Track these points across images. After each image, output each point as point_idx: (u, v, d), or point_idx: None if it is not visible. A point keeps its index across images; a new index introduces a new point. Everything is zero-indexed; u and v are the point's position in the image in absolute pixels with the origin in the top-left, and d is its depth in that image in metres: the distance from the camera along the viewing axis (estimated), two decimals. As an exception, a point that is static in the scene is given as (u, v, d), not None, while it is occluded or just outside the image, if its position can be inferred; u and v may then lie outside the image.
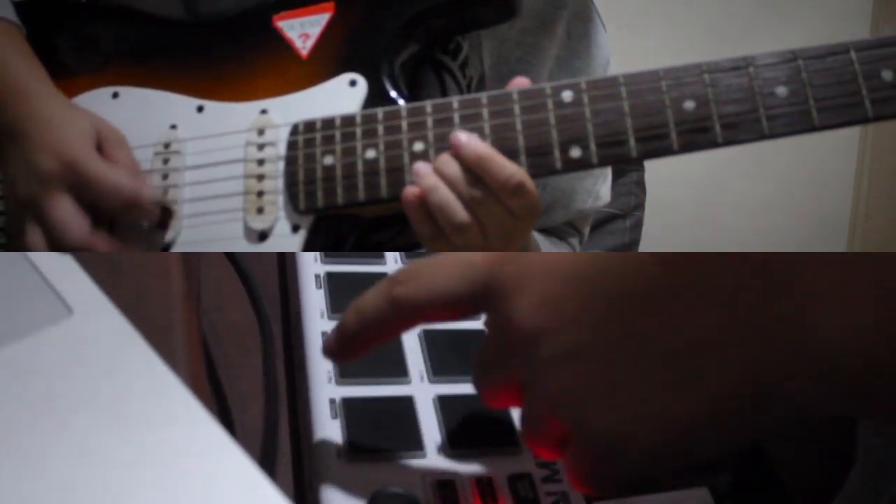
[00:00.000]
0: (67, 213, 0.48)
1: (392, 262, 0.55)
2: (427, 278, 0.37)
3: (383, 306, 0.38)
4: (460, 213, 0.45)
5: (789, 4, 1.61)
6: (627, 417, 0.32)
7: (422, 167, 0.46)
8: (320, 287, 0.52)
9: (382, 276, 0.52)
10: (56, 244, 0.48)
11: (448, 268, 0.37)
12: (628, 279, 0.32)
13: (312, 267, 0.53)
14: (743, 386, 0.30)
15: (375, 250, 0.56)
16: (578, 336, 0.32)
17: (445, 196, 0.45)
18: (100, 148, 0.50)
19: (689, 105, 0.45)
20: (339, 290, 0.51)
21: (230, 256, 0.55)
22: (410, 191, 0.46)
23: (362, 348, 0.40)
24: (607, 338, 0.32)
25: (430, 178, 0.46)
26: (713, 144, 0.45)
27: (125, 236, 0.51)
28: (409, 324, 0.39)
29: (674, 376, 0.31)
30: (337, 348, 0.40)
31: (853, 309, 0.29)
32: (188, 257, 0.50)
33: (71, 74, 0.56)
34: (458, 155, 0.46)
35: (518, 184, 0.45)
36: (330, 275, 0.52)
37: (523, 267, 0.34)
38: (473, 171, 0.45)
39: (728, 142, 0.45)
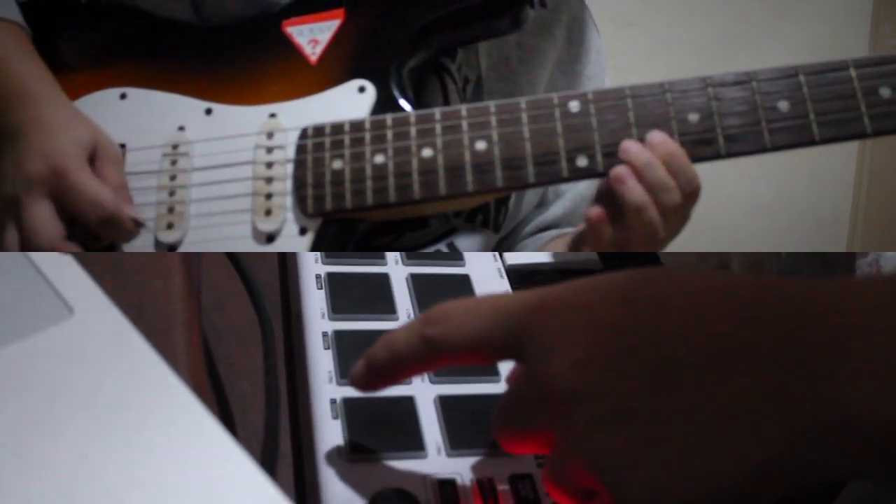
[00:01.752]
0: (42, 217, 0.49)
1: (392, 262, 0.55)
2: (459, 321, 0.37)
3: (414, 344, 0.37)
4: (661, 230, 0.47)
5: (789, 4, 1.61)
6: (663, 480, 0.31)
7: (625, 174, 0.46)
8: (321, 287, 0.52)
9: (383, 276, 0.53)
10: (26, 246, 0.49)
11: (481, 313, 0.36)
12: (669, 343, 0.32)
13: (313, 267, 0.53)
14: (785, 455, 0.30)
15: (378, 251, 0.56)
16: (617, 401, 0.32)
17: (654, 215, 0.46)
18: (93, 161, 0.50)
19: (694, 117, 0.46)
20: (340, 291, 0.51)
21: (231, 256, 0.55)
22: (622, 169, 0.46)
23: (389, 382, 0.40)
24: (646, 402, 0.32)
25: (643, 197, 0.46)
26: (716, 156, 0.46)
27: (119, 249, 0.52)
28: (437, 363, 0.39)
29: (711, 442, 0.31)
30: (364, 378, 0.40)
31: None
32: (189, 257, 0.50)
33: (78, 75, 0.56)
34: (660, 153, 0.46)
35: (698, 188, 0.47)
36: (331, 275, 0.52)
37: (559, 320, 0.34)
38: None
39: (731, 154, 0.46)
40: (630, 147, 0.46)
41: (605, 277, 0.35)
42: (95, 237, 0.51)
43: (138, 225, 0.50)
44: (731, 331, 0.32)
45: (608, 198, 0.47)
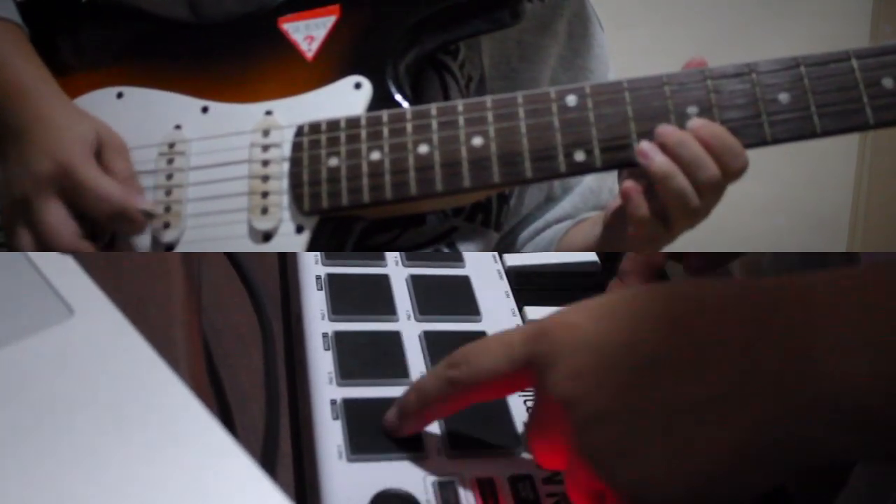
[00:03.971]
0: (57, 217, 0.49)
1: (392, 262, 0.55)
2: (476, 361, 0.40)
3: (441, 386, 0.41)
4: (694, 198, 0.45)
5: (789, 4, 1.61)
6: (652, 472, 0.34)
7: (649, 148, 0.46)
8: (321, 288, 0.52)
9: (383, 277, 0.53)
10: (44, 247, 0.49)
11: (493, 350, 0.40)
12: (644, 347, 0.35)
13: (313, 268, 0.53)
14: (763, 436, 0.32)
15: (377, 251, 0.56)
16: (603, 402, 0.35)
17: (683, 183, 0.45)
18: (99, 154, 0.50)
19: (693, 110, 0.45)
20: (340, 292, 0.51)
21: (231, 257, 0.55)
22: (646, 144, 0.46)
23: (420, 424, 0.44)
24: (628, 401, 0.35)
25: (668, 165, 0.45)
26: None
27: (124, 244, 0.52)
28: (464, 402, 0.42)
29: (693, 431, 0.33)
30: (397, 422, 0.43)
31: (872, 353, 0.30)
32: (189, 257, 0.50)
33: (75, 74, 0.56)
34: (699, 136, 0.45)
35: (744, 165, 0.45)
36: (331, 276, 0.52)
37: (555, 343, 0.37)
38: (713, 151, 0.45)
39: None
40: (664, 128, 0.46)
41: (593, 299, 0.39)
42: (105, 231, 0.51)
43: (149, 217, 0.50)
44: (699, 327, 0.35)
45: (640, 172, 0.46)
